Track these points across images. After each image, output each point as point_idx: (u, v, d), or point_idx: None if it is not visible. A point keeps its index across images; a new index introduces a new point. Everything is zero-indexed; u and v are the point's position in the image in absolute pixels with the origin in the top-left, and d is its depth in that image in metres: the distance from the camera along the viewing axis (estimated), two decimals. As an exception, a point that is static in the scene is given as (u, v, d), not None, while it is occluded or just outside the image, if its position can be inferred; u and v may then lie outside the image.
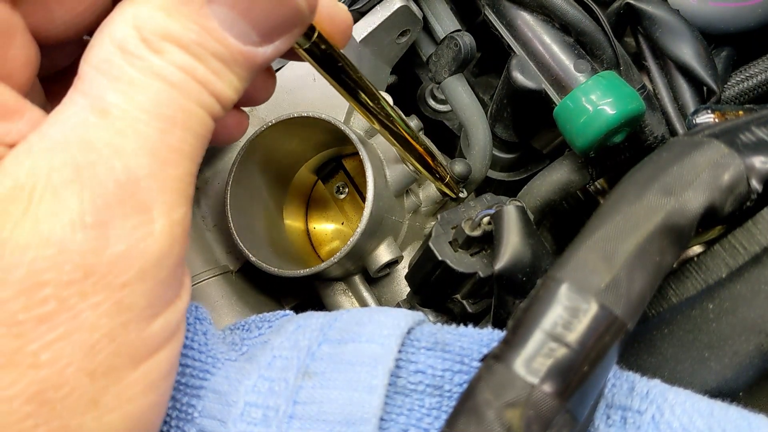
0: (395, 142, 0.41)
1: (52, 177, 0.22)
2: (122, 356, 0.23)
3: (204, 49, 0.24)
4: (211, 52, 0.24)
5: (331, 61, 0.32)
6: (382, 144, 0.48)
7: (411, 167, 0.46)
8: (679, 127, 0.47)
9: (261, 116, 0.50)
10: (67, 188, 0.22)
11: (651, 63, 0.48)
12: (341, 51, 0.32)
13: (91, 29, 0.27)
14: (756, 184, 0.28)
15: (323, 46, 0.30)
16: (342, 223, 0.53)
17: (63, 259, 0.21)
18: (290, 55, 0.30)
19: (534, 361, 0.25)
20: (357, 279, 0.50)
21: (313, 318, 0.31)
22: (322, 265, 0.44)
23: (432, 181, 0.47)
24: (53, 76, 0.30)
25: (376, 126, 0.39)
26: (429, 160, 0.44)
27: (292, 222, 0.53)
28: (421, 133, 0.53)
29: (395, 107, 0.47)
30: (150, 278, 0.23)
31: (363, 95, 0.36)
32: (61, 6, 0.26)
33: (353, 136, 0.44)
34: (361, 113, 0.38)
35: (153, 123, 0.23)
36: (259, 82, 0.33)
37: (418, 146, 0.42)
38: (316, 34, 0.29)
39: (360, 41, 0.46)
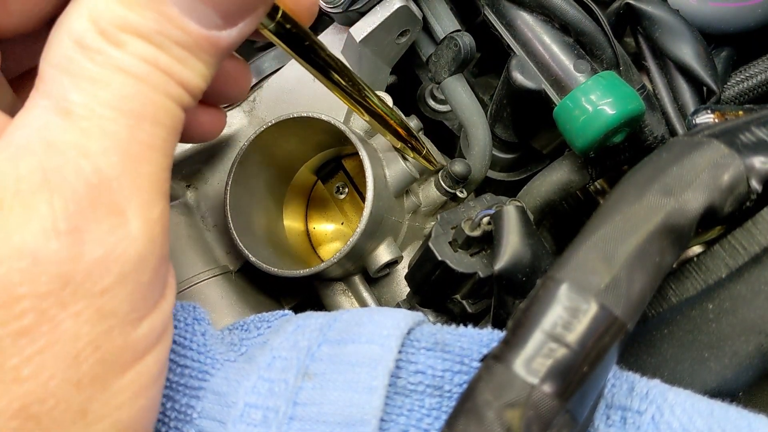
0: (372, 119, 0.41)
1: (20, 185, 0.21)
2: (108, 364, 0.23)
3: (165, 37, 0.23)
4: (173, 40, 0.23)
5: (298, 40, 0.31)
6: (382, 144, 0.48)
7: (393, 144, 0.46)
8: (679, 127, 0.47)
9: (261, 116, 0.50)
10: (36, 196, 0.21)
11: (651, 63, 0.48)
12: (308, 29, 0.31)
13: (52, 19, 0.26)
14: (756, 185, 0.28)
15: (288, 26, 0.29)
16: (342, 223, 0.53)
17: (38, 270, 0.21)
18: (257, 36, 0.29)
19: (534, 361, 0.24)
20: (357, 279, 0.50)
21: (312, 318, 0.31)
22: (322, 265, 0.44)
23: (412, 156, 0.46)
24: (22, 75, 0.30)
25: (349, 105, 0.38)
26: (402, 133, 0.44)
27: (292, 222, 0.53)
28: (420, 133, 0.53)
29: (394, 107, 0.47)
30: (131, 282, 0.23)
31: (335, 74, 0.35)
32: None
33: (353, 136, 0.44)
34: (334, 92, 0.37)
35: (120, 120, 0.22)
36: (231, 75, 0.32)
37: (391, 120, 0.42)
38: (280, 14, 0.28)
39: (360, 41, 0.46)
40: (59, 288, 0.21)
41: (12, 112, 0.24)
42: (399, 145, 0.45)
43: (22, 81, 0.29)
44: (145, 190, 0.23)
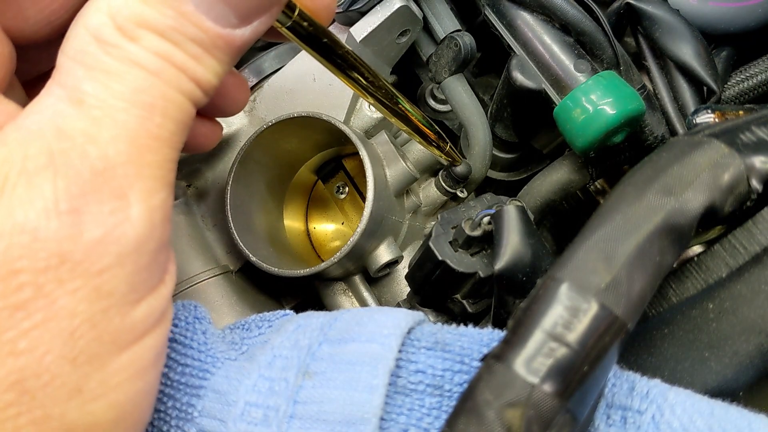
0: (392, 115, 0.40)
1: (27, 165, 0.22)
2: (105, 342, 0.23)
3: (181, 34, 0.23)
4: (188, 37, 0.24)
5: (316, 38, 0.31)
6: (383, 144, 0.48)
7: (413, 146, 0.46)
8: (679, 127, 0.47)
9: (261, 116, 0.50)
10: (40, 175, 0.22)
11: (651, 63, 0.48)
12: (325, 28, 0.31)
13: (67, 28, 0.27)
14: (756, 184, 0.28)
15: (305, 23, 0.29)
16: (342, 223, 0.53)
17: (38, 246, 0.21)
18: (274, 35, 0.30)
19: (534, 360, 0.24)
20: (357, 279, 0.50)
21: (313, 318, 0.31)
22: (322, 265, 0.44)
23: (433, 152, 0.46)
24: (37, 79, 0.30)
25: (370, 100, 0.38)
26: (428, 132, 0.43)
27: (292, 222, 0.53)
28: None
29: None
30: (129, 263, 0.23)
31: (353, 72, 0.35)
32: (34, 4, 0.26)
33: (353, 136, 0.44)
34: (354, 89, 0.37)
35: (131, 110, 0.23)
36: (229, 89, 0.33)
37: (414, 118, 0.41)
38: (296, 12, 0.28)
39: (360, 41, 0.46)
40: (57, 265, 0.21)
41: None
42: (423, 143, 0.44)
43: (37, 84, 0.30)
44: (149, 178, 0.23)
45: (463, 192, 0.51)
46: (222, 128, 0.35)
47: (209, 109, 0.33)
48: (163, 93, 0.23)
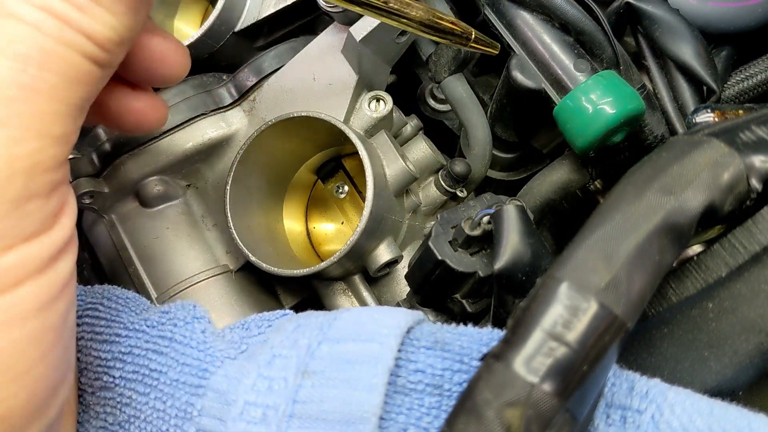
0: (414, 26, 0.38)
1: None
2: None
3: None
4: None
5: None
6: (382, 143, 0.48)
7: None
8: (679, 127, 0.47)
9: (261, 116, 0.50)
10: None
11: (651, 62, 0.48)
12: None
13: None
14: (756, 183, 0.28)
15: None
16: (342, 223, 0.53)
17: None
18: None
19: (534, 360, 0.24)
20: (357, 279, 0.50)
21: (312, 317, 0.31)
22: (322, 265, 0.44)
23: (469, 45, 0.43)
24: None
25: (389, 21, 0.35)
26: (445, 23, 0.40)
27: (292, 221, 0.53)
28: (421, 133, 0.53)
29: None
30: None
31: None
32: None
33: (353, 136, 0.44)
34: (367, 13, 0.35)
35: (1, 61, 0.23)
36: (155, 52, 0.31)
37: (455, 27, 0.40)
38: None
39: (360, 40, 0.46)
40: None
41: None
42: (449, 42, 0.41)
43: None
44: (15, 128, 0.23)
45: (462, 192, 0.51)
46: (165, 104, 0.33)
47: (143, 77, 0.31)
48: (39, 44, 0.23)
